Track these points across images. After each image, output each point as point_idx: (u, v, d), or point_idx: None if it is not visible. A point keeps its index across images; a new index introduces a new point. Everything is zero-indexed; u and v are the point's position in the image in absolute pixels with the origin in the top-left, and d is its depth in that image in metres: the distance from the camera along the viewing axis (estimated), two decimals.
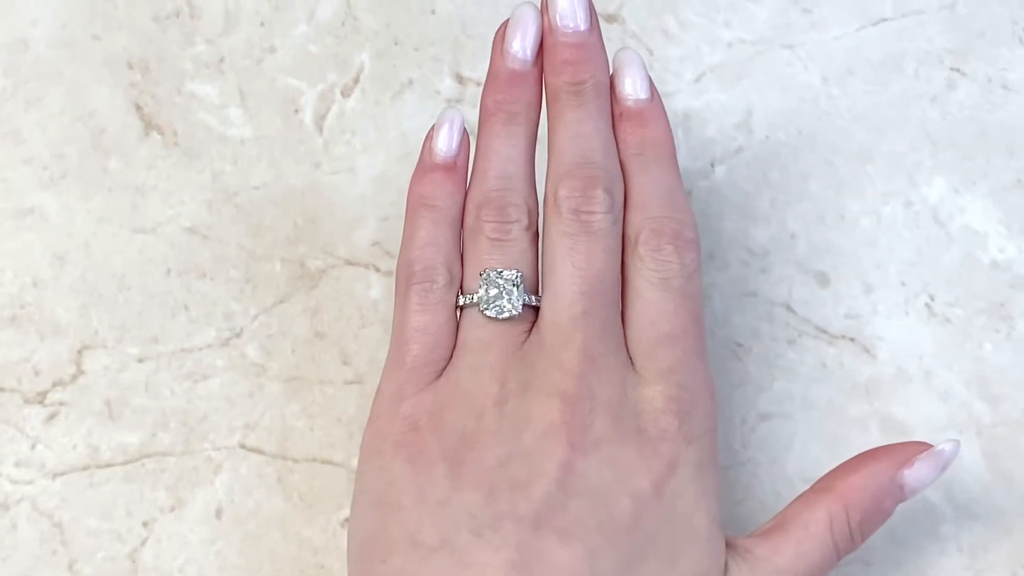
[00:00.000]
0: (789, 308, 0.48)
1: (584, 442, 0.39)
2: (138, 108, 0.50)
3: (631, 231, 0.42)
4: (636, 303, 0.41)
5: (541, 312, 0.41)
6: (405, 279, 0.42)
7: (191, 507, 0.45)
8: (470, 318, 0.41)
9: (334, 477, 0.46)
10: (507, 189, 0.42)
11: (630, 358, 0.41)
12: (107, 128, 0.49)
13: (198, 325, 0.47)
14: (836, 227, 0.49)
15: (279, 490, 0.46)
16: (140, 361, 0.47)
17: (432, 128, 0.44)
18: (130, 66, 0.50)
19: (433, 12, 0.51)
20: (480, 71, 0.50)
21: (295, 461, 0.46)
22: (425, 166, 0.44)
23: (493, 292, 0.41)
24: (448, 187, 0.43)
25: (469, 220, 0.42)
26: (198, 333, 0.47)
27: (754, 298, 0.48)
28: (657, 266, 0.41)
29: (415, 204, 0.43)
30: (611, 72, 0.44)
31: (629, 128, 0.43)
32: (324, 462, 0.46)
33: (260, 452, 0.46)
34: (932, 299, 0.48)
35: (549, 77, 0.43)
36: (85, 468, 0.46)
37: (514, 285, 0.41)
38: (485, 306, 0.41)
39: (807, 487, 0.42)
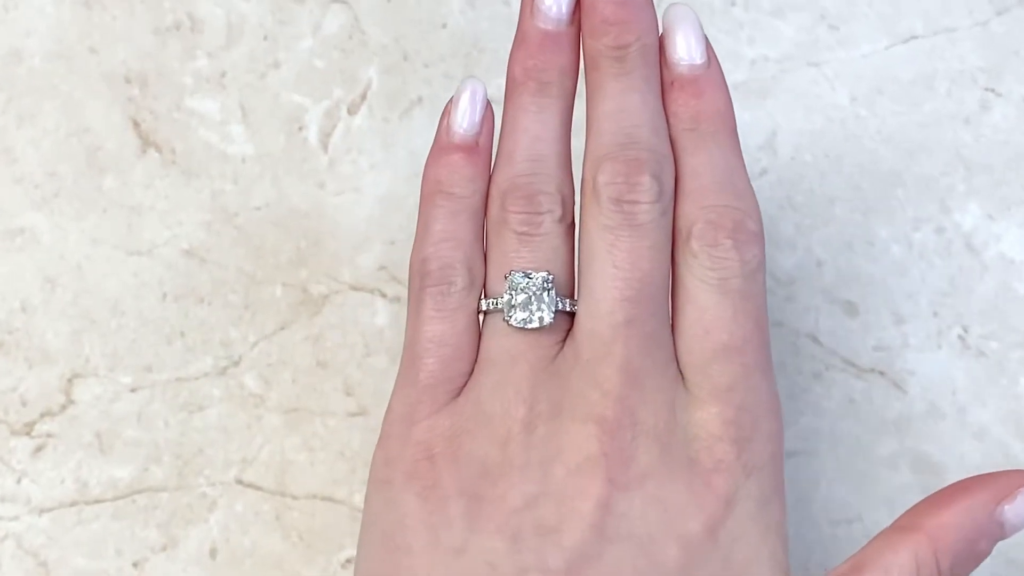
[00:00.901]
0: (815, 339, 0.47)
1: (625, 477, 0.34)
2: (135, 124, 0.48)
3: (683, 223, 0.37)
4: (688, 309, 0.36)
5: (577, 320, 0.36)
6: (419, 280, 0.37)
7: (184, 546, 0.44)
8: (494, 327, 0.37)
9: (336, 515, 0.45)
10: (537, 174, 0.37)
11: (681, 374, 0.36)
12: (103, 145, 0.48)
13: (194, 353, 0.46)
14: (864, 254, 0.48)
15: (277, 528, 0.44)
16: (133, 391, 0.46)
17: (449, 102, 0.39)
18: (128, 80, 0.49)
19: (444, 26, 0.50)
20: (494, 87, 0.49)
21: (294, 498, 0.45)
22: (442, 147, 0.39)
23: (521, 297, 0.36)
24: (468, 171, 0.38)
25: (493, 210, 0.38)
26: (194, 361, 0.46)
27: (779, 328, 0.47)
28: (713, 264, 0.36)
29: (430, 191, 0.38)
30: (660, 33, 0.39)
31: (681, 99, 0.38)
32: (325, 499, 0.45)
33: (257, 488, 0.45)
34: (966, 331, 0.47)
35: (588, 40, 0.38)
36: (73, 504, 0.45)
37: (545, 289, 0.36)
38: (511, 313, 0.36)
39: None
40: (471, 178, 0.38)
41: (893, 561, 0.36)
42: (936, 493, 0.37)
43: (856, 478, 0.45)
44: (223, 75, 0.49)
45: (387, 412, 0.37)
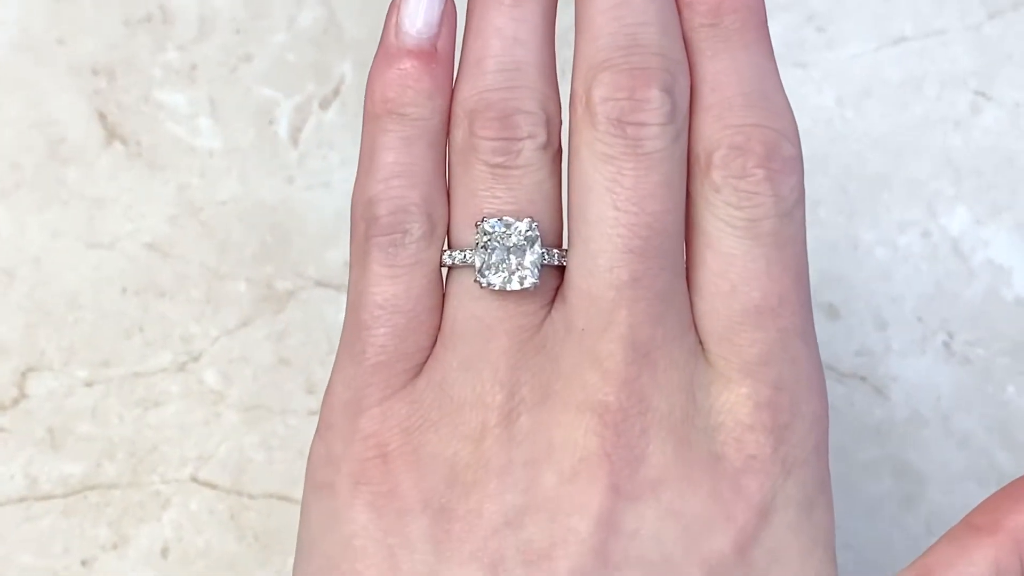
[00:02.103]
0: None
1: (634, 483, 0.27)
2: (101, 116, 0.47)
3: (701, 148, 0.29)
4: (709, 260, 0.29)
5: (568, 278, 0.29)
6: (363, 228, 0.30)
7: (135, 545, 0.43)
8: (461, 288, 0.29)
9: (293, 516, 0.43)
10: (515, 87, 0.29)
11: (701, 345, 0.29)
12: (67, 137, 0.47)
13: (153, 348, 0.45)
14: (848, 257, 0.47)
15: (232, 528, 0.43)
16: (88, 385, 0.45)
17: None
18: (95, 72, 0.48)
19: None
20: None
21: (251, 497, 0.44)
22: (390, 54, 0.30)
23: (496, 250, 0.29)
24: (425, 85, 0.30)
25: (458, 136, 0.30)
26: (152, 356, 0.45)
27: None
28: (741, 201, 0.28)
29: (377, 112, 0.30)
30: None
31: None
32: (282, 499, 0.44)
33: (213, 486, 0.44)
34: (951, 337, 0.46)
35: None
36: (22, 500, 0.44)
37: (528, 240, 0.29)
38: (484, 271, 0.29)
39: None
40: (429, 94, 0.30)
41: (968, 569, 0.28)
42: (1011, 485, 0.30)
43: (836, 486, 0.44)
44: (193, 68, 0.48)
45: (326, 396, 0.30)
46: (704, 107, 0.29)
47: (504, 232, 0.29)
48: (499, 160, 0.29)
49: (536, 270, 0.29)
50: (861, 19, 0.49)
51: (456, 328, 0.29)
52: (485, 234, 0.29)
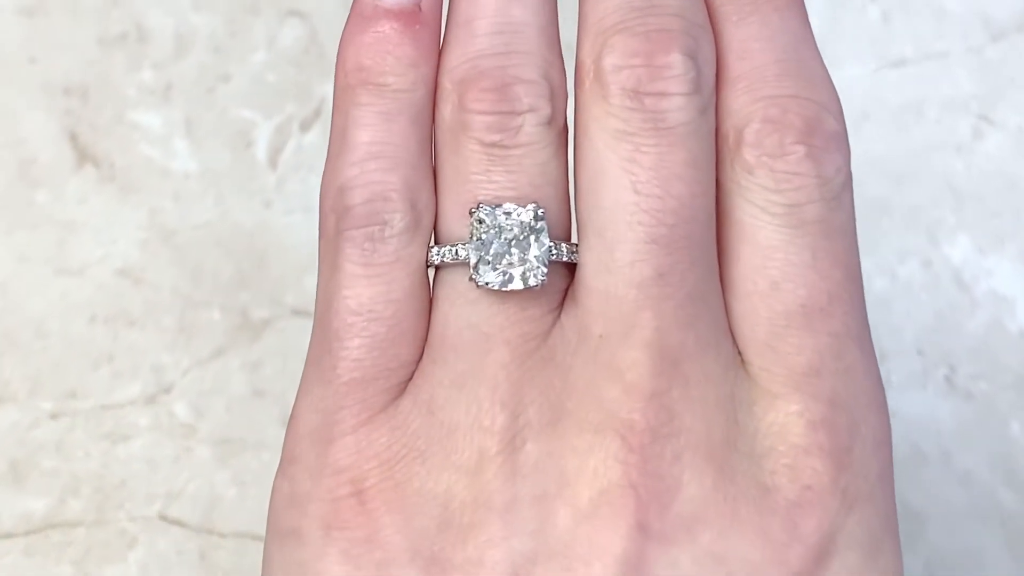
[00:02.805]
0: None
1: (665, 521, 0.23)
2: (73, 137, 0.46)
3: (730, 124, 0.25)
4: (745, 253, 0.25)
5: (580, 275, 0.25)
6: (334, 221, 0.25)
7: None
8: (453, 289, 0.25)
9: None
10: (512, 52, 0.25)
11: (739, 353, 0.25)
12: (37, 158, 0.46)
13: (122, 379, 0.44)
14: None
15: (201, 568, 0.42)
16: (53, 417, 0.43)
17: None
18: (68, 92, 0.47)
19: None
20: None
21: (221, 536, 0.42)
22: (365, 15, 0.26)
23: (494, 244, 0.25)
24: (408, 51, 0.26)
25: (446, 111, 0.26)
26: (121, 388, 0.44)
27: None
28: (779, 183, 0.24)
29: (349, 84, 0.26)
30: None
31: None
32: (255, 538, 0.42)
33: (182, 524, 0.42)
34: (953, 371, 0.45)
35: None
36: None
37: (532, 231, 0.25)
38: (480, 269, 0.25)
39: None
40: (411, 61, 0.26)
41: None
42: None
43: None
44: (169, 87, 0.47)
45: (290, 423, 0.26)
46: (731, 79, 0.25)
47: (503, 222, 0.25)
48: (495, 138, 0.25)
49: (543, 266, 0.25)
50: (860, 41, 0.49)
51: (447, 338, 0.25)
52: (480, 224, 0.25)
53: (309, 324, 0.43)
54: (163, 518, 0.43)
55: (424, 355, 0.25)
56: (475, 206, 0.25)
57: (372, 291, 0.25)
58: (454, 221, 0.25)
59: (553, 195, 0.25)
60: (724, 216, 0.25)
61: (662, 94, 0.24)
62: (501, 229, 0.25)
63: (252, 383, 0.44)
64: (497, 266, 0.25)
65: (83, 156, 0.46)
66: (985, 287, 0.46)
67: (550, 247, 0.25)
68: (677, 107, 0.24)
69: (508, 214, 0.25)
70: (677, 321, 0.24)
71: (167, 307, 0.45)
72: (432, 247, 0.25)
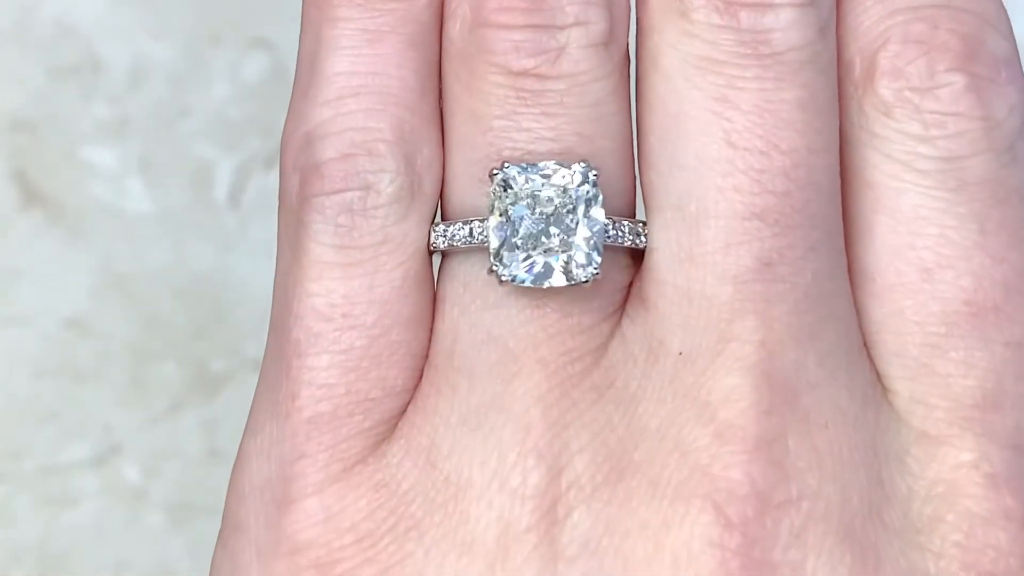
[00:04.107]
0: None
1: None
2: (20, 176, 0.45)
3: (855, 47, 0.19)
4: (882, 227, 0.19)
5: (649, 266, 0.19)
6: (298, 183, 0.20)
7: None
8: (466, 287, 0.19)
9: None
10: None
11: (875, 369, 0.19)
12: None
13: (69, 438, 0.43)
14: None
15: None
16: None
17: None
18: (15, 127, 0.45)
19: None
20: None
21: None
22: None
23: (524, 221, 0.18)
24: None
25: (455, 30, 0.19)
26: (67, 448, 0.43)
27: None
28: (929, 128, 0.18)
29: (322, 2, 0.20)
30: None
31: None
32: None
33: None
34: None
35: None
36: None
37: (580, 200, 0.18)
38: (506, 258, 0.18)
39: None
40: None
41: None
42: None
43: None
44: (124, 123, 0.46)
45: (234, 474, 0.21)
46: None
47: (539, 188, 0.18)
48: (527, 64, 0.18)
49: (595, 253, 0.18)
50: None
51: (456, 356, 0.19)
52: (506, 191, 0.18)
53: None
54: None
55: (423, 380, 0.19)
56: (498, 165, 0.19)
57: (349, 286, 0.19)
58: (468, 187, 0.19)
59: (610, 150, 0.19)
60: (850, 178, 0.19)
61: (766, 5, 0.18)
62: (536, 199, 0.18)
63: (209, 443, 0.43)
64: (530, 253, 0.18)
65: (31, 196, 0.45)
66: None
67: (605, 226, 0.18)
68: (786, 24, 0.18)
69: (546, 177, 0.18)
70: (792, 332, 0.18)
71: (118, 360, 0.44)
72: (436, 224, 0.19)
